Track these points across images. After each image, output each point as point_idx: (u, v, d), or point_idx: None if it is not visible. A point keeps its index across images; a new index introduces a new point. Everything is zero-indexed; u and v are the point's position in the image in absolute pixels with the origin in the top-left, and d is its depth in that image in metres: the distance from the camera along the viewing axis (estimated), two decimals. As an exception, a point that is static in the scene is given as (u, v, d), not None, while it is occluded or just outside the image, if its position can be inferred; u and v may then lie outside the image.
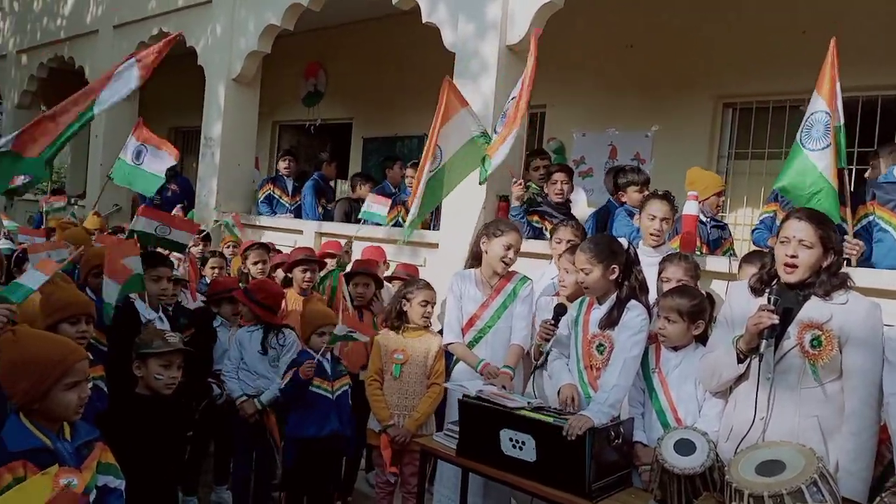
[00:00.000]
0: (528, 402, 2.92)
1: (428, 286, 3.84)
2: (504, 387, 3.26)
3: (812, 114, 3.38)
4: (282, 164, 7.45)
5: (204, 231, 5.12)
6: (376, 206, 5.33)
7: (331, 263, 5.04)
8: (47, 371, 2.09)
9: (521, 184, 4.59)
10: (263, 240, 6.10)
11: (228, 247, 5.89)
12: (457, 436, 3.10)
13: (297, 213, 7.25)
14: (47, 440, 2.09)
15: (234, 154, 7.36)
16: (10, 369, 2.12)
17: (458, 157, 4.57)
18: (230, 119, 7.29)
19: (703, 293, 3.13)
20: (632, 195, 4.53)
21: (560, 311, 3.21)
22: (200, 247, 5.62)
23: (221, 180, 7.29)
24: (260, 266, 4.52)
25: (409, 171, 6.34)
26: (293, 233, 6.60)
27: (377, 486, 3.86)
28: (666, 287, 3.19)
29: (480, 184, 4.54)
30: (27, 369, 2.08)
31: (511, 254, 3.64)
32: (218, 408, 3.93)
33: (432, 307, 3.82)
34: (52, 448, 2.08)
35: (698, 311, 2.95)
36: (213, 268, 5.00)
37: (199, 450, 4.24)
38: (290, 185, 7.42)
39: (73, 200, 10.01)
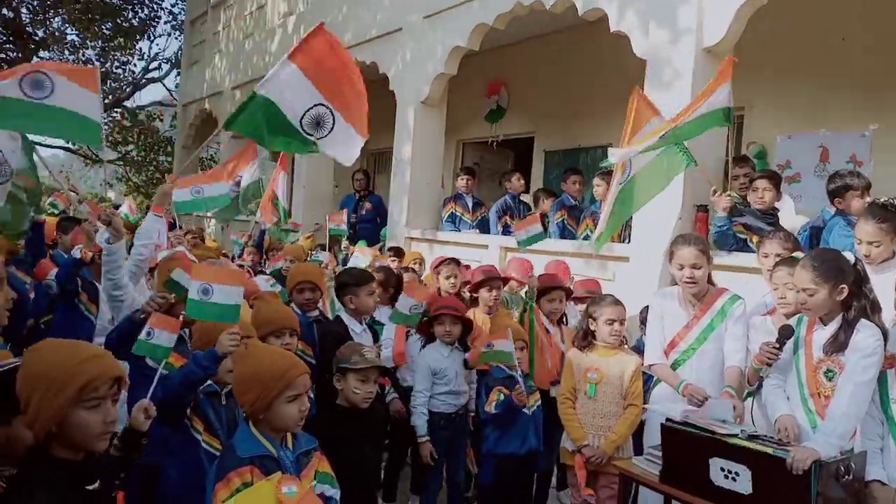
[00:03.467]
0: (742, 430, 2.70)
1: (616, 302, 3.69)
2: (734, 407, 3.04)
3: None
4: (461, 182, 7.59)
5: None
6: (529, 227, 5.13)
7: (517, 287, 5.01)
8: (271, 384, 2.23)
9: (721, 195, 4.30)
10: (448, 255, 6.23)
11: (416, 262, 6.08)
12: (659, 461, 2.94)
13: (481, 229, 7.36)
14: (272, 448, 2.24)
15: (422, 173, 7.66)
16: (241, 380, 2.32)
17: (650, 168, 4.38)
18: (419, 140, 7.59)
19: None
20: (852, 202, 4.06)
21: (787, 333, 2.91)
22: (397, 263, 5.87)
23: (411, 199, 7.61)
24: (452, 281, 4.62)
25: (596, 180, 6.17)
26: (478, 248, 6.70)
27: (572, 508, 3.77)
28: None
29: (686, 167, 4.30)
30: (255, 381, 2.25)
31: (687, 272, 3.37)
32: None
33: (621, 325, 3.67)
34: (276, 456, 2.23)
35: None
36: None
37: (398, 457, 4.40)
38: (470, 202, 7.55)
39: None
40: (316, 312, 4.04)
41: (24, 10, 15.16)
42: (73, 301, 3.90)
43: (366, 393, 2.92)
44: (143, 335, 2.58)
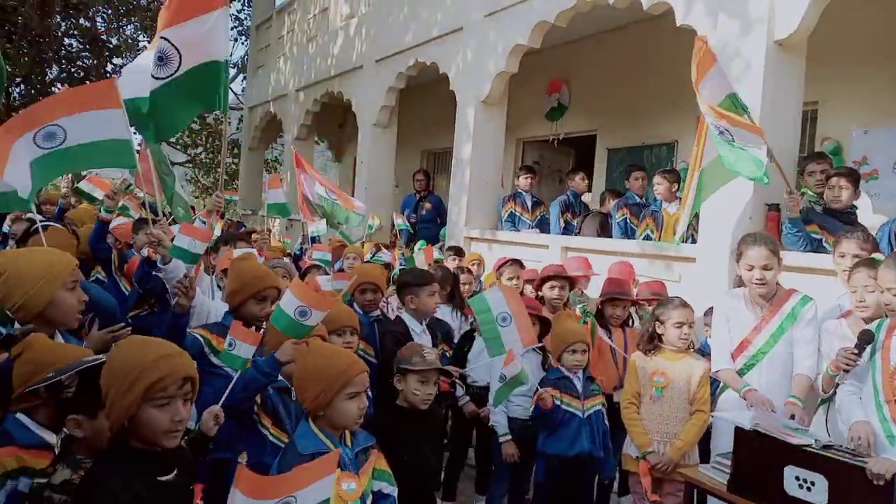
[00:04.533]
0: (816, 440, 2.58)
1: (683, 304, 3.58)
2: (793, 416, 2.93)
3: None
4: (522, 181, 7.47)
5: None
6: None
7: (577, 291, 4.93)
8: (332, 381, 2.25)
9: (796, 196, 4.13)
10: (507, 255, 6.18)
11: (474, 263, 6.05)
12: (727, 469, 2.84)
13: (541, 229, 7.28)
14: (332, 445, 2.25)
15: (482, 173, 7.63)
16: (303, 377, 2.35)
17: (717, 163, 4.23)
18: (479, 140, 7.57)
19: None
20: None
21: (866, 338, 2.77)
22: (456, 262, 5.85)
23: (470, 198, 7.59)
24: (514, 282, 4.57)
25: (657, 178, 6.00)
26: (538, 248, 6.63)
27: (635, 514, 3.68)
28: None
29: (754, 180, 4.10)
30: (316, 378, 2.28)
31: (757, 273, 3.22)
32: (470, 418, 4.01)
33: (689, 328, 3.55)
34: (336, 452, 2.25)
35: None
36: (463, 284, 5.12)
37: (458, 457, 4.39)
38: (529, 201, 7.45)
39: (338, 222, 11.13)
40: (377, 312, 4.07)
41: (99, 18, 15.83)
42: (165, 297, 4.03)
43: (425, 394, 2.91)
44: (226, 345, 2.63)
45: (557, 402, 3.50)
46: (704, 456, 3.46)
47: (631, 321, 4.40)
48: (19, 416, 1.95)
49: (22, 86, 14.83)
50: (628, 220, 6.29)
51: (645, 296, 4.52)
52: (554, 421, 3.52)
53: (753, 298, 3.34)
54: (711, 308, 3.82)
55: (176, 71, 3.48)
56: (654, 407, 3.47)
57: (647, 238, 5.90)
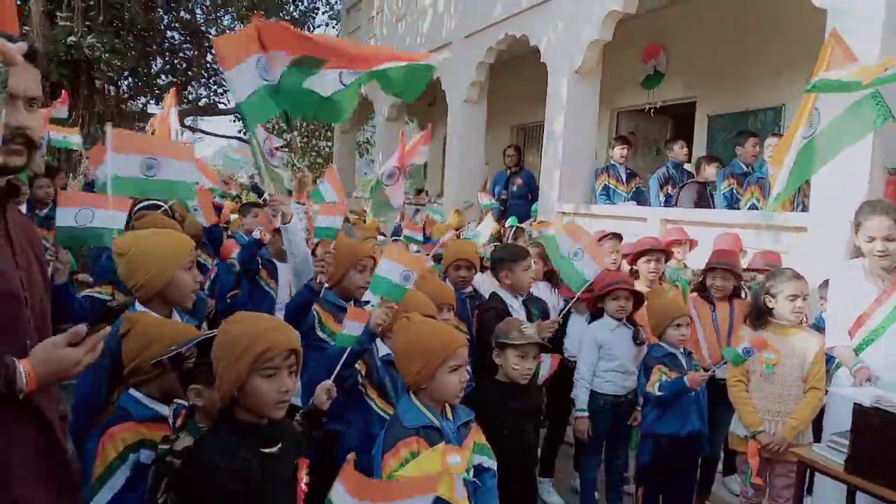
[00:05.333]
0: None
1: (796, 276, 3.38)
2: None
3: None
4: (617, 152, 7.24)
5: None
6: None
7: (674, 261, 4.76)
8: (434, 354, 2.28)
9: None
10: (602, 228, 6.03)
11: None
12: (844, 450, 2.69)
13: (637, 202, 7.07)
14: (435, 419, 2.29)
15: (575, 146, 7.48)
16: (405, 351, 2.39)
17: (838, 121, 3.90)
18: (572, 112, 7.41)
19: None
20: None
21: None
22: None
23: (563, 172, 7.46)
24: (613, 257, 4.44)
25: (771, 140, 5.65)
26: (636, 220, 6.45)
27: (742, 495, 3.56)
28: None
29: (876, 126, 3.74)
30: (418, 352, 2.31)
31: (879, 245, 3.01)
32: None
33: (803, 300, 3.36)
34: (439, 426, 2.28)
35: None
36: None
37: (556, 433, 4.37)
38: (624, 172, 7.24)
39: (433, 199, 11.22)
40: (470, 289, 4.08)
41: (198, 11, 16.48)
42: (255, 278, 4.22)
43: (524, 369, 2.91)
44: (343, 329, 2.71)
45: (680, 386, 3.39)
46: (818, 436, 3.30)
47: (743, 293, 4.21)
48: (132, 391, 2.09)
49: (130, 78, 15.67)
50: (735, 191, 5.99)
51: (758, 265, 4.31)
52: (674, 399, 3.41)
53: (874, 270, 3.13)
54: (826, 281, 3.61)
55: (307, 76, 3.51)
56: (764, 384, 3.33)
57: (753, 207, 5.62)
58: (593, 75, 7.43)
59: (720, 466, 4.25)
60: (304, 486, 1.89)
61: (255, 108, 3.54)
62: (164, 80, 16.41)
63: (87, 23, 11.52)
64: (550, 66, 7.70)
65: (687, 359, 3.53)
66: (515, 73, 10.43)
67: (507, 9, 8.55)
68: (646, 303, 3.79)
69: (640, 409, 3.72)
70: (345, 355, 2.61)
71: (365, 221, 6.72)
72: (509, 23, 8.51)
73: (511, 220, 7.71)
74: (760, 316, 3.42)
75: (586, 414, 3.77)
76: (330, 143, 17.74)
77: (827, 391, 3.24)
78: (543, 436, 4.31)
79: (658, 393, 3.37)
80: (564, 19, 7.43)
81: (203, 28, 16.48)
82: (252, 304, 4.03)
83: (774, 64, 7.26)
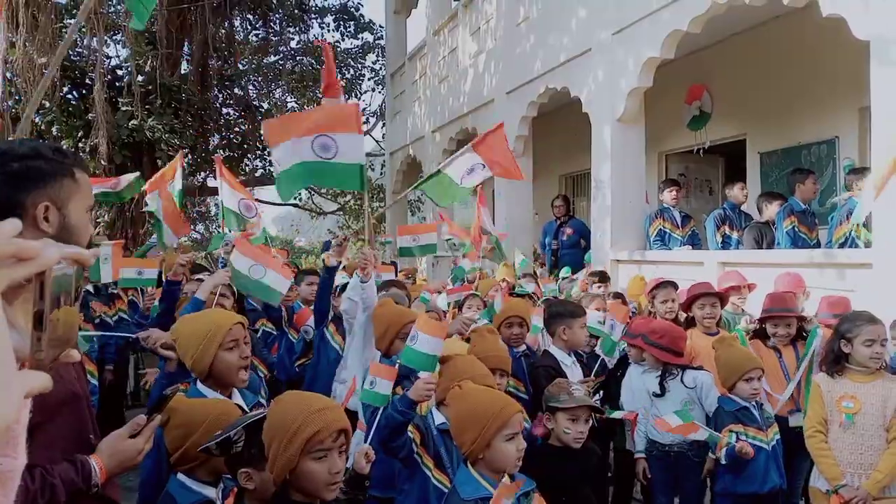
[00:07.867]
0: None
1: (873, 320, 3.21)
2: None
3: None
4: (667, 195, 7.11)
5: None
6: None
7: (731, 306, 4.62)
8: (488, 423, 2.22)
9: None
10: (659, 276, 5.88)
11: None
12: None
13: (693, 245, 6.90)
14: (492, 490, 2.20)
15: (623, 192, 7.40)
16: (458, 421, 2.34)
17: None
18: (618, 158, 7.36)
19: None
20: None
21: None
22: (603, 289, 5.66)
23: (614, 219, 7.37)
24: (669, 305, 4.30)
25: (850, 178, 5.46)
26: (693, 265, 6.28)
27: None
28: None
29: None
30: (472, 421, 2.26)
31: None
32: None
33: (882, 346, 3.18)
34: (498, 497, 2.20)
35: None
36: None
37: (623, 492, 4.21)
38: (678, 216, 7.09)
39: (482, 254, 11.18)
40: (523, 347, 4.00)
41: (250, 87, 17.20)
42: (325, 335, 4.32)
43: (577, 433, 2.81)
44: (367, 384, 2.71)
45: (744, 438, 3.24)
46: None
47: (806, 334, 4.02)
48: (180, 476, 2.07)
49: (189, 156, 16.35)
50: (797, 229, 5.80)
51: (826, 318, 4.08)
52: (747, 463, 3.25)
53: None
54: (898, 320, 3.42)
55: (333, 156, 3.79)
56: (844, 435, 3.14)
57: (817, 245, 5.41)
58: (637, 121, 7.39)
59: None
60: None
61: (288, 180, 3.88)
62: (222, 154, 17.02)
63: (146, 106, 12.12)
64: (593, 116, 7.70)
65: (759, 411, 3.38)
66: (559, 123, 10.48)
67: (546, 63, 8.64)
68: (714, 353, 3.65)
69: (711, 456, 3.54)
70: (378, 417, 2.58)
71: (414, 281, 6.79)
72: (549, 76, 8.59)
73: (564, 271, 7.62)
74: (836, 362, 3.25)
75: (643, 455, 3.67)
76: (382, 204, 18.03)
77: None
78: (612, 494, 4.16)
79: (724, 461, 3.22)
80: (603, 70, 7.46)
81: (255, 103, 17.17)
82: (320, 363, 4.28)
83: (821, 96, 7.11)
